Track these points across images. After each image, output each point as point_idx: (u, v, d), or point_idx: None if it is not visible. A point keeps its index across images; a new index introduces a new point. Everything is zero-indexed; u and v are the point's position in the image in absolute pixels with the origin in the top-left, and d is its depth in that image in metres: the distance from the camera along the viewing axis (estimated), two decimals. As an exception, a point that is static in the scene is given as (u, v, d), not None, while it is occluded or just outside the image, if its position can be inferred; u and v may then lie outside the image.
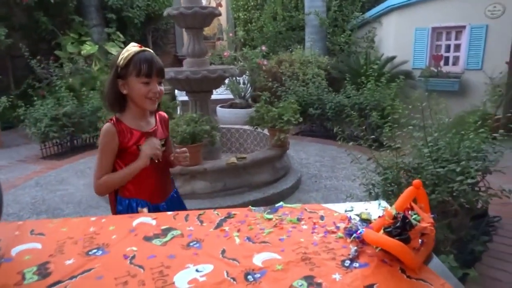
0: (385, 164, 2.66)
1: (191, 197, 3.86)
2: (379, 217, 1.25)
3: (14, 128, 7.66)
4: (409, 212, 1.19)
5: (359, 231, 1.27)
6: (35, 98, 6.11)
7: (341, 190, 4.21)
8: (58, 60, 7.65)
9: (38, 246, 1.32)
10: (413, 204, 1.22)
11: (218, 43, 8.12)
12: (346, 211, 1.52)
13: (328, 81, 6.76)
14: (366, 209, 1.50)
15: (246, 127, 4.77)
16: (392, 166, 2.60)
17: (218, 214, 1.51)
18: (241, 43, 8.88)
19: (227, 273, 1.13)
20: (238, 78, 7.92)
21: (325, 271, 1.11)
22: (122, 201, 1.72)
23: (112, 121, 1.63)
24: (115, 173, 1.64)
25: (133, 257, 1.23)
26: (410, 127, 2.70)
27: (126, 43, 8.78)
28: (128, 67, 1.53)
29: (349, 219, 1.39)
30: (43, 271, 1.17)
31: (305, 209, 1.54)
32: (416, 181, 1.23)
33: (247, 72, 7.42)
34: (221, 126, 5.67)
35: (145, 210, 1.70)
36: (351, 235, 1.29)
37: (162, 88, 1.62)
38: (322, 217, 1.46)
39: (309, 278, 1.08)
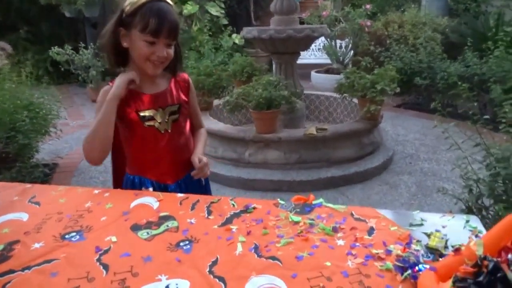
0: (499, 154, 1.99)
1: (263, 167, 3.59)
2: (456, 250, 0.77)
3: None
4: (509, 256, 0.69)
5: (417, 268, 0.81)
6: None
7: (440, 176, 3.50)
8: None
9: (24, 218, 1.15)
10: None
11: (320, 2, 7.43)
12: (411, 225, 1.04)
13: (443, 47, 5.69)
14: (443, 227, 1.01)
15: (337, 94, 4.24)
16: (509, 157, 1.92)
17: (234, 205, 1.17)
18: (344, 1, 8.02)
19: None
20: (339, 41, 7.22)
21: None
22: (125, 177, 1.46)
23: (112, 81, 1.32)
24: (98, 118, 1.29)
25: (106, 251, 0.98)
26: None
27: (225, 3, 8.66)
28: (134, 17, 1.21)
29: (409, 242, 0.92)
30: (4, 253, 0.98)
31: (352, 214, 1.10)
32: None
33: (349, 34, 6.67)
34: (310, 92, 5.21)
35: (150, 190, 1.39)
36: (405, 270, 0.84)
37: (171, 51, 1.27)
38: (371, 230, 1.02)
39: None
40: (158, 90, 1.36)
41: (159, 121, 1.33)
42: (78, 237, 1.04)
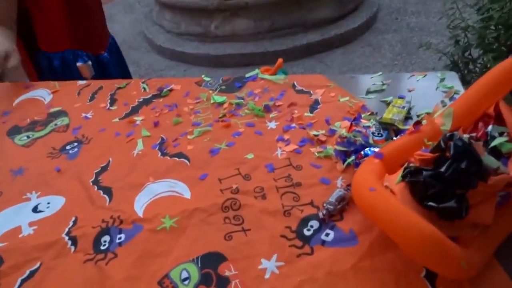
0: (495, -6, 1.64)
1: (231, 39, 3.21)
2: (415, 124, 0.53)
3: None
4: (488, 128, 0.46)
5: (362, 153, 0.59)
6: None
7: (428, 31, 3.14)
8: None
9: None
10: (503, 108, 0.47)
11: None
12: (368, 92, 0.79)
13: None
14: (409, 91, 0.76)
15: None
16: (507, -4, 1.58)
17: (145, 88, 0.91)
18: None
19: (74, 222, 0.60)
20: None
21: (259, 238, 0.52)
22: (46, 56, 1.16)
23: None
24: None
25: (-29, 165, 0.75)
26: None
27: None
28: None
29: (358, 117, 0.69)
30: None
31: (293, 86, 0.84)
32: None
33: None
34: None
35: (88, 64, 1.13)
36: (348, 155, 0.62)
37: None
38: (314, 105, 0.77)
39: (212, 258, 0.51)
40: None
41: None
42: None
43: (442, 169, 0.41)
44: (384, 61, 2.86)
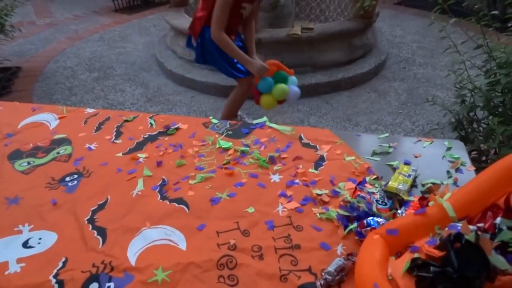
0: (502, 58, 1.67)
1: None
2: (421, 199, 0.52)
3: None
4: (495, 221, 0.45)
5: (365, 222, 0.58)
6: None
7: (434, 83, 3.19)
8: None
9: None
10: None
11: None
12: (374, 153, 0.79)
13: None
14: (415, 157, 0.76)
15: (330, -13, 3.71)
16: (513, 62, 1.61)
17: (152, 124, 0.90)
18: None
19: (64, 263, 0.58)
20: None
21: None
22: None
23: None
24: (233, 46, 1.77)
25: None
26: None
27: None
28: None
29: (363, 181, 0.68)
30: None
31: (300, 138, 0.84)
32: None
33: None
34: (301, -15, 4.61)
35: None
36: (351, 221, 0.60)
37: None
38: (319, 161, 0.76)
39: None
40: None
41: (247, 10, 1.78)
42: None
43: (450, 269, 0.40)
44: (389, 108, 2.88)
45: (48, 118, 0.95)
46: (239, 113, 2.33)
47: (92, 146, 0.85)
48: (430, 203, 0.50)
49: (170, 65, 3.75)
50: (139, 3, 6.26)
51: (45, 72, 3.90)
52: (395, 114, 2.90)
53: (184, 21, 3.62)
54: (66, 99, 3.18)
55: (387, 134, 0.86)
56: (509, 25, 1.75)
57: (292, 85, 1.79)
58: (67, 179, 0.75)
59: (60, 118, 0.95)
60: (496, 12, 1.85)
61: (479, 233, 0.40)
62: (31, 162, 0.80)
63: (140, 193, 0.71)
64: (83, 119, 0.94)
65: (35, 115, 0.96)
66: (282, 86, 1.74)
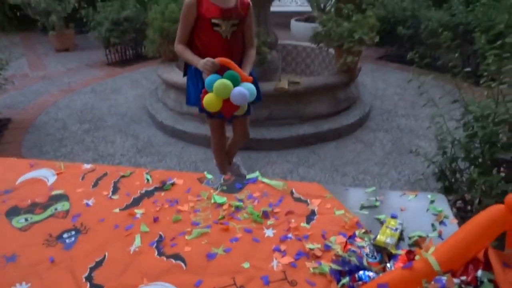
0: (478, 112, 1.77)
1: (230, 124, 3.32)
2: (408, 253, 0.56)
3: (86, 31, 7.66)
4: (477, 274, 0.48)
5: (357, 276, 0.60)
6: (100, 0, 5.82)
7: (417, 134, 3.31)
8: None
9: None
10: (491, 254, 0.50)
11: None
12: (362, 207, 0.83)
13: (432, -7, 5.32)
14: (401, 210, 0.80)
15: (314, 44, 3.92)
16: (488, 116, 1.71)
17: (148, 180, 0.93)
18: None
19: None
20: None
21: None
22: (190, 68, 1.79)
23: None
24: (187, 52, 1.77)
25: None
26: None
27: None
28: None
29: (353, 235, 0.71)
30: None
31: (291, 193, 0.88)
32: None
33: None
34: (286, 42, 4.86)
35: None
36: (343, 275, 0.63)
37: None
38: (311, 215, 0.80)
39: None
40: (229, 6, 1.70)
41: (223, 29, 1.71)
42: None
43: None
44: (375, 158, 2.96)
45: (46, 174, 0.97)
46: (234, 160, 2.26)
47: (90, 202, 0.87)
48: (417, 257, 0.54)
49: (161, 116, 3.82)
50: (131, 57, 6.45)
51: (36, 123, 3.93)
52: (381, 164, 2.97)
53: (175, 75, 3.75)
54: (56, 151, 3.18)
55: (374, 188, 0.90)
56: (481, 81, 1.88)
57: (242, 87, 1.53)
58: (65, 235, 0.77)
59: (57, 174, 0.97)
60: (469, 69, 2.00)
61: (463, 286, 0.44)
62: (28, 219, 0.82)
63: (137, 249, 0.72)
64: (81, 175, 0.96)
65: (32, 171, 0.98)
66: (223, 80, 1.51)
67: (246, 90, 1.53)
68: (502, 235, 0.51)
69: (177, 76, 3.58)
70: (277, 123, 3.42)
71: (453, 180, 1.93)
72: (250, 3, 1.81)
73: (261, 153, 3.16)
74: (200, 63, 1.65)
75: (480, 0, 4.00)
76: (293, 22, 6.62)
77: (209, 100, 1.51)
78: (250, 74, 1.83)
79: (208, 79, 1.54)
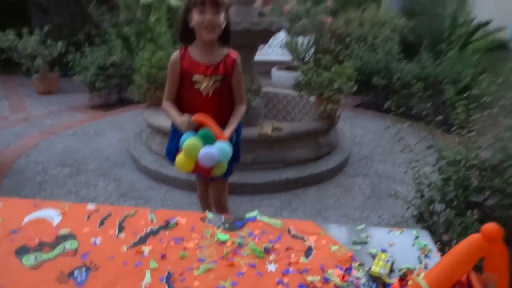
0: (450, 158, 1.91)
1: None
2: (400, 280, 0.63)
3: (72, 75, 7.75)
4: None
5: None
6: (87, 45, 5.97)
7: (394, 179, 3.46)
8: (116, 8, 7.44)
9: None
10: (473, 277, 0.58)
11: (283, -5, 7.31)
12: (355, 243, 0.90)
13: (402, 47, 5.73)
14: (389, 245, 0.88)
15: (295, 92, 4.13)
16: (460, 161, 1.85)
17: (153, 219, 0.98)
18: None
19: None
20: (300, 38, 7.13)
21: None
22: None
23: (180, 50, 1.71)
24: (171, 109, 1.73)
25: (-25, 283, 0.76)
26: (495, 109, 1.89)
27: (186, -6, 8.35)
28: (191, 1, 1.59)
29: (350, 267, 0.78)
30: None
31: (289, 230, 0.95)
32: (490, 228, 0.58)
33: (310, 31, 6.59)
34: (268, 90, 5.07)
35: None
36: None
37: (220, 19, 1.58)
38: (308, 251, 0.87)
39: None
40: (212, 62, 1.67)
41: (204, 85, 1.68)
42: None
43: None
44: (355, 203, 3.06)
45: (51, 214, 1.00)
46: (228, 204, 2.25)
47: (97, 241, 0.90)
48: (409, 282, 0.61)
49: (145, 160, 3.84)
50: (115, 101, 6.52)
51: (15, 167, 3.88)
52: (361, 208, 3.07)
53: (160, 119, 3.84)
54: (35, 195, 3.14)
55: (363, 225, 0.98)
56: (452, 129, 2.04)
57: (212, 147, 1.41)
58: (76, 273, 0.80)
59: (62, 213, 1.01)
60: (441, 117, 2.17)
61: (451, 306, 0.51)
62: (38, 258, 0.84)
63: (148, 285, 0.76)
64: (86, 215, 1.00)
65: (37, 211, 1.01)
66: (191, 140, 1.42)
67: (216, 150, 1.41)
68: (481, 260, 0.60)
69: (163, 121, 3.67)
70: (261, 167, 3.50)
71: (431, 222, 2.03)
72: (238, 58, 1.76)
73: (245, 197, 3.21)
74: (178, 121, 1.62)
75: (447, 54, 4.36)
76: (274, 71, 6.93)
77: (180, 160, 1.44)
78: (236, 131, 1.80)
79: (182, 138, 1.46)
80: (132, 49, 6.31)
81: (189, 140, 1.42)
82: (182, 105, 1.78)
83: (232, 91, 1.79)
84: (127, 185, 3.39)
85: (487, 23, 5.83)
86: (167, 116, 1.76)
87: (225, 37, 1.71)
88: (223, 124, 1.72)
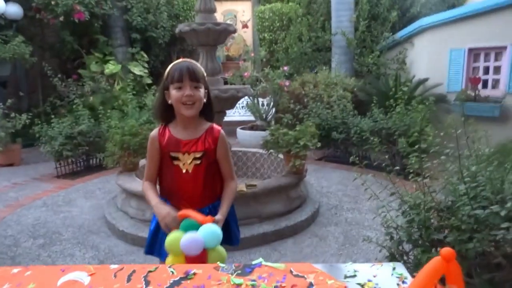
0: (411, 202, 2.20)
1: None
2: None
3: (37, 145, 7.68)
4: None
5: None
6: (53, 116, 6.05)
7: (363, 225, 3.71)
8: (80, 79, 7.65)
9: None
10: None
11: (241, 63, 7.88)
12: (345, 277, 1.10)
13: (354, 104, 6.31)
14: (374, 276, 1.08)
15: (263, 150, 4.41)
16: (420, 204, 2.13)
17: (173, 272, 1.13)
18: (264, 63, 8.61)
19: None
20: (261, 99, 7.62)
21: None
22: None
23: (160, 127, 1.70)
24: (150, 192, 1.69)
25: None
26: (442, 157, 2.24)
27: (149, 63, 8.76)
28: (168, 78, 1.61)
29: (346, 295, 0.97)
30: None
31: (291, 271, 1.13)
32: (446, 251, 0.81)
33: (269, 93, 7.10)
34: (237, 149, 5.33)
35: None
36: None
37: (200, 93, 1.59)
38: (310, 286, 1.05)
39: None
40: (191, 137, 1.65)
41: (183, 162, 1.64)
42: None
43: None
44: (330, 250, 3.25)
45: (80, 275, 1.12)
46: None
47: (129, 295, 1.04)
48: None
49: (122, 225, 3.88)
50: (82, 169, 6.49)
51: (-18, 244, 3.76)
52: (337, 256, 3.27)
53: (135, 184, 3.94)
54: (11, 269, 3.06)
55: (350, 262, 1.18)
56: (409, 177, 2.35)
57: (192, 232, 1.35)
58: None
59: (90, 275, 1.13)
60: (397, 167, 2.48)
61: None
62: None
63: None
64: (112, 274, 1.13)
65: (66, 274, 1.13)
66: (169, 237, 1.40)
67: (199, 233, 1.34)
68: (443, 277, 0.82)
69: (138, 185, 3.78)
70: (239, 223, 3.65)
71: (402, 262, 2.26)
72: (221, 132, 1.70)
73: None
74: (159, 218, 1.55)
75: (395, 109, 4.88)
76: (239, 130, 7.26)
77: (169, 262, 1.37)
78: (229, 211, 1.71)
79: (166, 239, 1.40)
80: (99, 117, 6.44)
81: (167, 239, 1.39)
82: (163, 184, 1.74)
83: (217, 167, 1.71)
84: (105, 252, 3.38)
85: (425, 80, 6.60)
86: (146, 200, 1.66)
87: (208, 111, 1.68)
88: (210, 202, 1.70)
